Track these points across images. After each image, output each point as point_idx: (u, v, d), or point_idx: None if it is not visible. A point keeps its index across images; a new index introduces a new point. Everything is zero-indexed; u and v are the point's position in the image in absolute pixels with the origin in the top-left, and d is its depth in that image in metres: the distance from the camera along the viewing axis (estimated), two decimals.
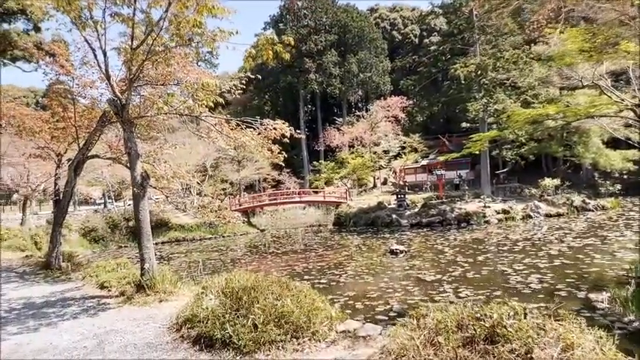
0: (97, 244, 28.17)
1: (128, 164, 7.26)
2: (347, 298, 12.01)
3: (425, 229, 26.62)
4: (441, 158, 31.15)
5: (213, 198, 37.41)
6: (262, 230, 33.83)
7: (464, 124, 36.25)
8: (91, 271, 8.86)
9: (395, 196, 32.18)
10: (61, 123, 9.93)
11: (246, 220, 34.80)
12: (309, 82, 56.53)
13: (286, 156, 10.34)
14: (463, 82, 32.13)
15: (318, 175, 52.25)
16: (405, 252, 18.54)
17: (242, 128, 9.79)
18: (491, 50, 30.70)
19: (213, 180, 41.68)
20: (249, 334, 4.60)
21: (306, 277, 15.50)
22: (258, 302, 4.99)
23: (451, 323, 3.87)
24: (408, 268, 15.75)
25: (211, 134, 10.06)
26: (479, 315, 3.81)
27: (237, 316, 4.92)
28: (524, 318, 3.71)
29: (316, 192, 44.61)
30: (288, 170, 47.93)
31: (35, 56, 10.01)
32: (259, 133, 9.71)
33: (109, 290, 7.62)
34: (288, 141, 10.17)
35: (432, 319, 4.08)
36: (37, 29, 24.15)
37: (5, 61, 26.47)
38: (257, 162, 42.23)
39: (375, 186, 50.35)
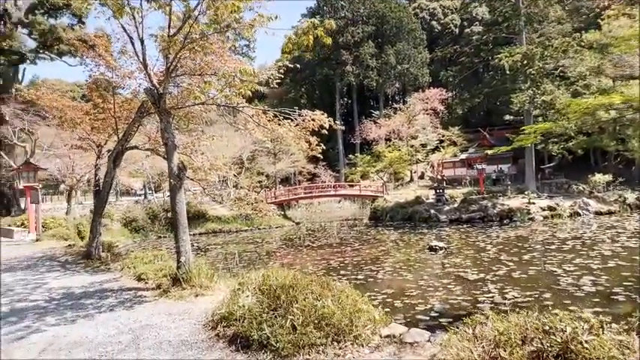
0: (137, 234, 28.84)
1: (165, 155, 7.12)
2: (385, 296, 11.62)
3: (465, 226, 25.74)
4: (490, 151, 29.85)
5: (249, 190, 37.72)
6: (297, 223, 33.75)
7: (507, 117, 34.80)
8: (129, 262, 8.86)
9: (433, 191, 31.32)
10: (100, 114, 10.00)
11: (281, 212, 34.81)
12: (346, 75, 55.91)
13: (324, 148, 10.02)
14: (508, 72, 30.70)
15: (353, 168, 51.73)
16: (445, 249, 17.89)
17: (279, 119, 9.52)
18: (539, 39, 29.17)
19: (249, 172, 41.97)
20: (287, 336, 4.31)
21: (342, 272, 15.19)
22: (297, 302, 4.70)
23: (515, 335, 3.43)
24: (448, 265, 15.15)
25: (248, 126, 9.85)
26: (547, 327, 3.35)
27: (275, 316, 4.64)
28: (602, 332, 3.23)
29: (352, 185, 44.15)
30: (324, 163, 47.69)
31: (79, 50, 10.02)
32: (297, 125, 9.41)
33: (146, 282, 7.55)
34: (326, 132, 9.85)
35: (491, 330, 3.64)
36: (82, 23, 24.84)
37: (52, 55, 27.35)
38: (293, 155, 42.19)
39: (411, 180, 49.38)
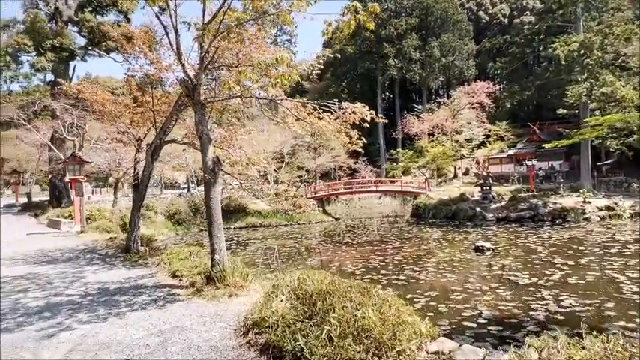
0: (180, 227, 29.35)
1: (200, 149, 6.87)
2: (428, 299, 11.02)
3: (513, 225, 24.46)
4: (548, 145, 28.19)
5: (288, 185, 37.63)
6: (337, 219, 33.34)
7: (560, 111, 32.81)
8: (165, 257, 8.74)
9: (479, 188, 30.02)
10: (139, 108, 9.97)
11: (321, 208, 34.50)
12: (388, 68, 54.75)
13: (366, 142, 9.53)
14: (563, 63, 28.83)
15: (395, 164, 50.78)
16: (492, 249, 16.96)
17: (319, 113, 9.09)
18: (597, 27, 27.17)
19: (289, 167, 41.93)
20: (323, 349, 3.90)
21: (382, 271, 14.67)
22: (334, 310, 4.27)
23: None
24: (496, 267, 14.30)
25: (287, 119, 9.48)
26: None
27: (310, 325, 4.24)
28: None
29: (393, 181, 43.25)
30: (365, 159, 46.96)
31: (124, 46, 9.98)
32: (337, 118, 8.96)
33: (180, 279, 7.36)
34: (367, 126, 9.37)
35: (564, 357, 3.06)
36: (127, 20, 25.40)
37: (101, 52, 28.17)
38: (333, 150, 41.77)
39: (455, 176, 47.85)
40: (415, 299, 11.00)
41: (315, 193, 36.31)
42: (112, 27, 25.10)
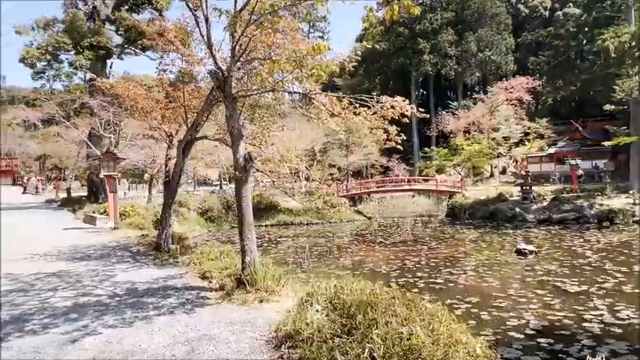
0: (212, 224, 29.48)
1: (231, 144, 6.52)
2: (469, 305, 10.38)
3: (556, 227, 23.24)
4: (608, 143, 26.61)
5: (320, 183, 37.27)
6: (369, 218, 32.73)
7: (607, 107, 30.99)
8: (195, 257, 8.49)
9: (519, 188, 28.77)
10: (171, 103, 9.78)
11: (352, 206, 33.95)
12: (423, 64, 53.50)
13: (404, 138, 9.01)
14: (613, 55, 27.10)
15: (428, 162, 49.54)
16: (535, 253, 16.05)
17: (355, 107, 8.60)
18: None
19: (321, 165, 41.54)
20: None
21: (418, 273, 14.07)
22: (377, 326, 3.80)
23: None
24: (541, 272, 13.44)
25: (322, 115, 9.04)
26: None
27: (350, 342, 3.79)
28: None
29: (426, 180, 42.23)
30: (398, 156, 46.04)
31: (157, 40, 9.78)
32: (374, 113, 8.45)
33: (210, 282, 7.05)
34: (407, 120, 8.84)
35: None
36: (161, 16, 25.56)
37: (137, 50, 28.56)
38: (365, 147, 41.13)
39: (492, 175, 46.31)
40: (455, 305, 10.39)
41: (347, 192, 35.81)
42: (146, 25, 25.38)
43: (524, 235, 21.04)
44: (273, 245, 21.56)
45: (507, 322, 9.07)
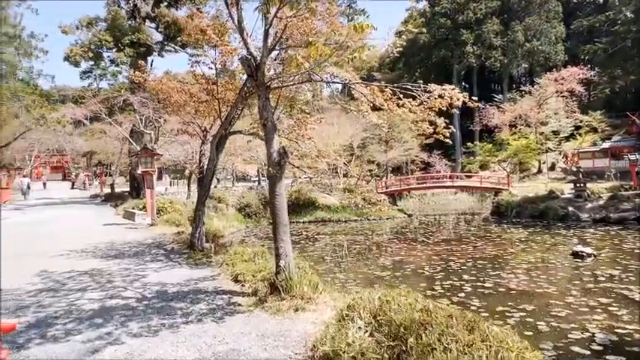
0: (250, 220, 29.37)
1: (264, 138, 6.01)
2: (523, 313, 9.47)
3: (614, 227, 21.51)
4: None
5: (358, 179, 36.55)
6: (409, 215, 31.70)
7: None
8: (229, 258, 8.08)
9: (572, 185, 26.96)
10: (204, 97, 9.41)
11: (392, 203, 33.02)
12: (466, 56, 51.50)
13: (453, 130, 8.23)
14: None
15: (471, 157, 47.73)
16: (594, 255, 14.75)
17: (399, 98, 7.90)
18: None
19: (359, 161, 40.77)
20: None
21: (464, 276, 13.18)
22: (432, 354, 3.15)
23: None
24: (602, 278, 12.25)
25: (362, 107, 8.40)
26: None
27: None
28: None
29: (469, 176, 40.60)
30: (439, 152, 44.52)
31: (192, 34, 9.41)
32: (420, 104, 7.73)
33: (243, 285, 6.59)
34: (455, 111, 8.10)
35: None
36: (199, 12, 25.52)
37: (176, 47, 28.74)
38: (406, 142, 39.97)
39: (539, 171, 44.00)
40: (507, 313, 9.54)
41: (387, 188, 34.89)
42: (185, 21, 25.44)
43: (580, 236, 19.58)
44: (310, 243, 21.10)
45: (569, 335, 8.15)
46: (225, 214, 27.53)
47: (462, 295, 11.27)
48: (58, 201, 31.10)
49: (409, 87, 7.55)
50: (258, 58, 5.60)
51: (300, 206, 29.16)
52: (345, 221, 29.61)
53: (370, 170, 41.67)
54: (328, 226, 28.20)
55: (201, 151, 10.39)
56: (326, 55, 5.12)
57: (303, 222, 28.18)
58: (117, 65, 26.47)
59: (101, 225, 15.80)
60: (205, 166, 9.21)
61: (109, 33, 25.03)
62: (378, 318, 3.93)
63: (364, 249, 19.42)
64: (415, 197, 39.70)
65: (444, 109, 7.33)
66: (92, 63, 28.21)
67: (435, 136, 7.99)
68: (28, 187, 37.43)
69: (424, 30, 52.82)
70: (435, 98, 7.48)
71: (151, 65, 28.24)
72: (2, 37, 29.80)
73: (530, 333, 8.16)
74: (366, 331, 3.87)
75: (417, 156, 43.29)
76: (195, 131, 10.98)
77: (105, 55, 26.80)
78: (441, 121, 7.77)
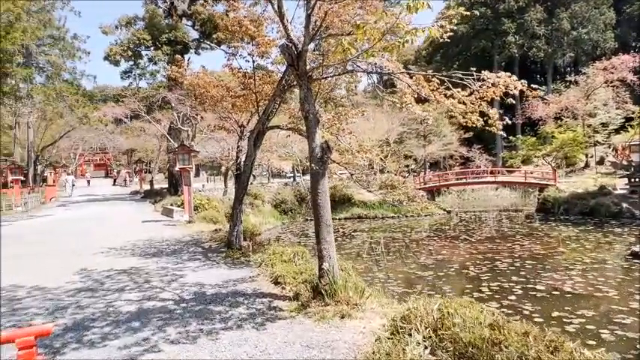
0: (285, 216, 29.23)
1: (306, 133, 5.62)
2: (583, 320, 8.73)
3: None
4: None
5: (395, 175, 35.76)
6: (448, 212, 30.71)
7: None
8: (268, 257, 7.76)
9: (627, 180, 25.32)
10: (241, 90, 9.13)
11: (430, 199, 32.11)
12: (507, 46, 49.49)
13: (508, 122, 7.61)
14: None
15: (513, 152, 45.88)
16: None
17: (447, 88, 7.36)
18: None
19: (395, 156, 39.94)
20: None
21: (513, 277, 12.44)
22: None
23: None
24: None
25: (405, 99, 7.88)
26: None
27: None
28: None
29: (511, 171, 39.03)
30: (479, 147, 43.06)
31: (237, 32, 9.11)
32: (471, 94, 7.18)
33: (283, 288, 6.24)
34: (512, 101, 7.53)
35: None
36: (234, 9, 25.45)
37: (212, 45, 28.83)
38: (445, 137, 38.82)
39: (587, 166, 41.77)
40: (565, 319, 8.82)
41: (425, 184, 33.98)
42: (221, 18, 25.45)
43: (637, 235, 18.26)
44: (347, 240, 20.70)
45: (638, 346, 7.39)
46: (261, 211, 27.48)
47: (513, 298, 10.59)
48: (100, 197, 31.97)
49: (460, 75, 6.99)
50: (299, 46, 5.20)
51: (335, 203, 28.69)
52: (382, 218, 28.99)
53: (407, 166, 40.74)
54: (365, 222, 27.67)
55: (238, 147, 10.15)
56: (375, 40, 4.66)
57: (339, 219, 27.76)
58: (155, 64, 26.84)
59: (140, 222, 15.92)
60: (242, 163, 8.94)
61: (146, 31, 25.39)
62: (439, 333, 3.47)
63: (403, 247, 18.84)
64: (454, 193, 38.55)
65: (504, 96, 6.77)
66: (132, 63, 28.81)
67: (487, 128, 7.42)
68: (72, 185, 38.94)
69: (466, 14, 51.11)
70: (488, 87, 6.91)
71: (188, 63, 28.48)
72: (48, 40, 30.84)
73: (594, 342, 7.45)
74: (426, 347, 3.42)
75: (456, 150, 42.01)
76: (232, 127, 10.77)
77: (143, 53, 27.23)
78: (494, 112, 7.19)
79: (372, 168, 33.71)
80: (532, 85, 7.12)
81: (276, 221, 27.87)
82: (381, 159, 32.52)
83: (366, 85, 76.10)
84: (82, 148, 54.10)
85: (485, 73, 6.69)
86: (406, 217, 29.01)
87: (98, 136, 45.99)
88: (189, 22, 27.60)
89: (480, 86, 6.87)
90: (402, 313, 4.09)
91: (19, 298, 6.37)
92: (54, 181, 44.79)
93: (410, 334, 3.61)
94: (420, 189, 32.16)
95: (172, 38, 25.12)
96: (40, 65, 30.86)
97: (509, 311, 9.58)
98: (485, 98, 6.98)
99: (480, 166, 41.70)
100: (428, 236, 22.53)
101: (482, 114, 7.19)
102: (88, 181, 50.89)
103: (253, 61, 8.55)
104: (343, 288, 5.36)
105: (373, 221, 28.19)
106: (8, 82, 25.43)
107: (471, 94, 7.03)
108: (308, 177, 39.23)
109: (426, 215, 29.20)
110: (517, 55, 50.86)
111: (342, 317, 4.98)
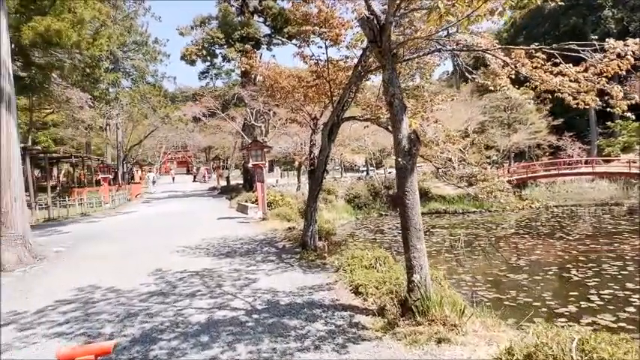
0: (359, 211, 28.49)
1: (389, 121, 4.81)
2: None
3: None
4: None
5: (477, 167, 33.51)
6: (537, 206, 28.16)
7: None
8: (345, 261, 7.04)
9: None
10: (314, 80, 8.49)
11: (517, 192, 29.67)
12: (603, 22, 44.57)
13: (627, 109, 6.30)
14: None
15: (611, 139, 41.34)
16: None
17: (553, 64, 6.17)
18: None
19: (476, 147, 37.52)
20: None
21: (627, 283, 10.82)
22: None
23: None
24: None
25: (499, 81, 6.79)
26: None
27: None
28: None
29: (608, 161, 35.12)
30: (570, 134, 39.23)
31: (310, 17, 8.47)
32: (586, 69, 5.96)
33: (365, 300, 5.49)
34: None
35: None
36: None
37: (283, 39, 28.70)
38: (532, 124, 35.74)
39: None
40: None
41: (511, 176, 31.53)
42: (291, 12, 25.12)
43: None
44: (426, 237, 19.36)
45: None
46: (334, 206, 26.97)
47: (632, 310, 9.00)
48: (180, 194, 33.29)
49: (574, 47, 5.77)
50: (382, 17, 4.39)
51: None
52: (463, 213, 27.29)
53: (488, 157, 38.14)
54: (444, 218, 26.18)
55: (311, 141, 9.56)
56: (477, 5, 3.73)
57: None
58: (228, 61, 27.24)
59: (215, 219, 15.99)
60: (316, 158, 8.30)
61: (220, 30, 25.76)
62: None
63: (488, 245, 17.34)
64: (542, 185, 35.41)
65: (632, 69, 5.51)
66: (208, 63, 29.53)
67: (609, 109, 6.18)
68: (153, 181, 41.34)
69: None
70: (611, 60, 5.67)
71: (260, 59, 28.59)
72: (132, 45, 32.62)
73: None
74: None
75: (544, 139, 38.57)
76: (305, 120, 10.19)
77: (217, 52, 27.74)
78: (617, 89, 5.93)
79: (451, 160, 31.91)
80: None
81: (350, 216, 27.22)
82: (461, 150, 30.60)
83: (440, 73, 72.88)
84: (165, 147, 57.12)
85: (610, 42, 5.44)
86: (489, 211, 27.05)
87: (179, 135, 48.14)
88: (261, 19, 27.66)
89: (601, 59, 5.65)
90: (523, 348, 3.16)
91: (94, 302, 6.23)
92: (140, 179, 47.72)
93: None
94: (506, 182, 29.84)
95: (244, 35, 25.26)
96: (126, 70, 32.73)
97: (630, 327, 8.10)
98: (605, 74, 5.75)
99: (572, 156, 37.98)
100: (516, 233, 20.69)
101: (602, 92, 5.99)
102: (173, 178, 53.75)
103: (326, 46, 7.84)
104: (438, 305, 4.50)
105: (453, 217, 26.61)
106: (98, 86, 26.95)
107: (585, 69, 5.84)
108: (381, 171, 38.01)
109: (511, 210, 26.97)
110: (615, 31, 45.60)
111: (439, 342, 4.13)
